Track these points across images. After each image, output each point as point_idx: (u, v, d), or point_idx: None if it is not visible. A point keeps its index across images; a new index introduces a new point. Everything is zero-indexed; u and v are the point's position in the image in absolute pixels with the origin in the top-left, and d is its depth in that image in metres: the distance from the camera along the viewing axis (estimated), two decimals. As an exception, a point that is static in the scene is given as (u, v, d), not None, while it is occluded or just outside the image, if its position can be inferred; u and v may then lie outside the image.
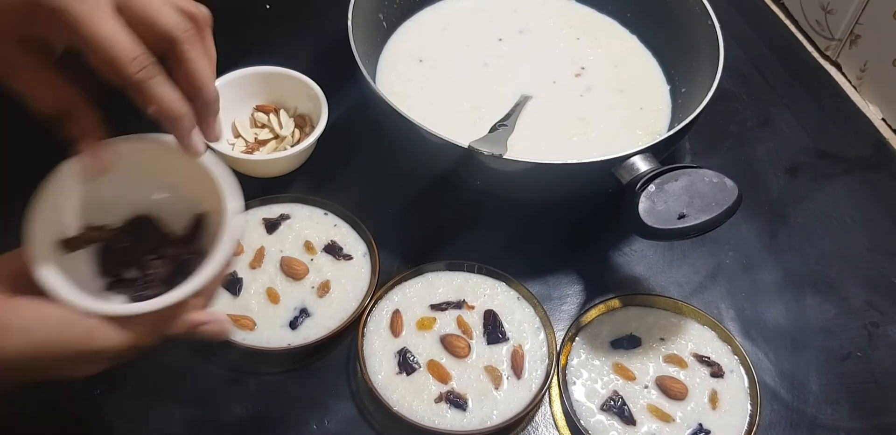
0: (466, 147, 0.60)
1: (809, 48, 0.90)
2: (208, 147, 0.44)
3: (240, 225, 0.43)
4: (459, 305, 0.63)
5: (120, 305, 0.41)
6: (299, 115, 0.73)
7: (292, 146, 0.70)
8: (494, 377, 0.60)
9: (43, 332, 0.38)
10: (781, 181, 0.77)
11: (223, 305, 0.62)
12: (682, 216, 0.56)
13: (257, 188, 0.69)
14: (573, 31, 0.80)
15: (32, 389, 0.60)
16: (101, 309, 0.40)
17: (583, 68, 0.78)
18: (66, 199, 0.44)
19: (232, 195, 0.44)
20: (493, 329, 0.62)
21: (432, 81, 0.75)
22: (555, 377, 0.61)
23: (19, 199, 0.42)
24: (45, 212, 0.42)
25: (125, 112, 0.42)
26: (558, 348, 0.62)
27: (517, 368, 0.61)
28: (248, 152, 0.71)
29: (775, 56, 0.87)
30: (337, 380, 0.62)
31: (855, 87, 0.86)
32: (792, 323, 0.68)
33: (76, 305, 0.39)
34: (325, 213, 0.68)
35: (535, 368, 0.61)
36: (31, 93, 0.40)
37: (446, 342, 0.61)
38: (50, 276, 0.40)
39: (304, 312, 0.62)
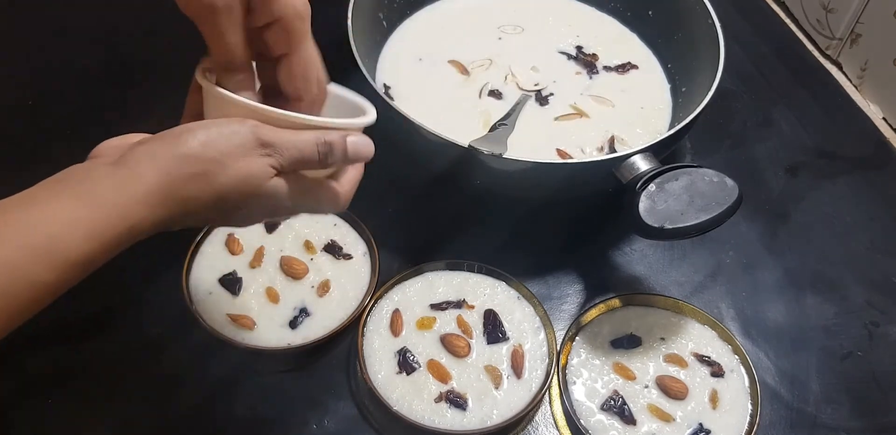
0: (466, 146, 0.60)
1: (810, 47, 0.89)
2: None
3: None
4: (459, 304, 0.63)
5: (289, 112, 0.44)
6: None
7: None
8: (494, 377, 0.60)
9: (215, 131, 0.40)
10: (782, 181, 0.77)
11: (223, 304, 0.62)
12: (682, 216, 0.56)
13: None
14: (573, 30, 0.80)
15: (31, 388, 0.60)
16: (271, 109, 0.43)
17: (583, 67, 0.78)
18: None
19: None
20: (493, 329, 0.62)
21: (432, 81, 0.75)
22: (555, 377, 0.61)
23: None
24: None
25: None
26: (558, 348, 0.62)
27: (517, 367, 0.60)
28: None
29: (775, 55, 0.87)
30: (337, 380, 0.62)
31: (855, 87, 0.86)
32: (792, 323, 0.68)
33: (254, 105, 0.42)
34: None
35: (535, 368, 0.61)
36: (219, 40, 0.43)
37: (446, 342, 0.61)
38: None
39: (303, 312, 0.62)
